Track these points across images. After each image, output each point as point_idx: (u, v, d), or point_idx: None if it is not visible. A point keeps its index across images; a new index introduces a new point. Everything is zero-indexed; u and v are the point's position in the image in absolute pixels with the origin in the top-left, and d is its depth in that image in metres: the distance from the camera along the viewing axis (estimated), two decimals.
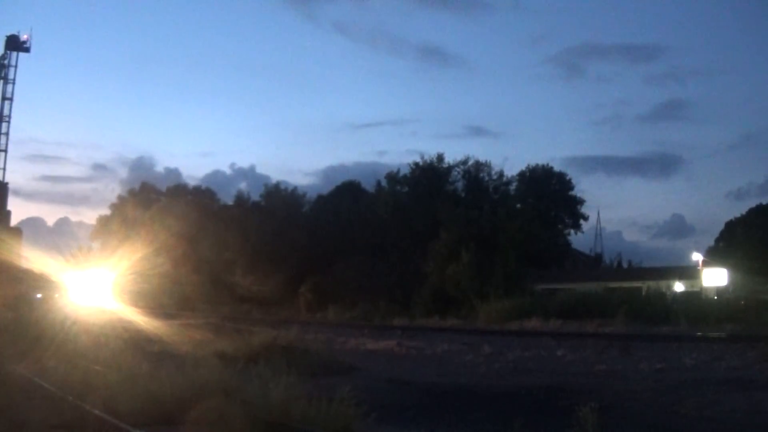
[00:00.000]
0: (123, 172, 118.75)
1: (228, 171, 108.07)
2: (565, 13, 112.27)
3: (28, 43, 51.09)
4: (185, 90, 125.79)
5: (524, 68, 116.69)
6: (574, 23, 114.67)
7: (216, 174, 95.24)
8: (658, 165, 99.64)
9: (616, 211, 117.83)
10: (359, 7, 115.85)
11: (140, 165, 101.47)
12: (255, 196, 60.64)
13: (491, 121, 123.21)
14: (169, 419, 7.77)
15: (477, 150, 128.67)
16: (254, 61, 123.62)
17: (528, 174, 62.04)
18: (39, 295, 36.98)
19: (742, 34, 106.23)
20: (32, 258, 39.28)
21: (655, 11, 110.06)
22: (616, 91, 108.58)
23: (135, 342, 17.73)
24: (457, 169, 57.03)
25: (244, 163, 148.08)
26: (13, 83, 51.31)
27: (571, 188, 63.40)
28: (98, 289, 36.79)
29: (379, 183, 55.63)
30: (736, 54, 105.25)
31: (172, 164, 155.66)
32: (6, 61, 50.66)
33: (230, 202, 67.57)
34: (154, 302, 40.53)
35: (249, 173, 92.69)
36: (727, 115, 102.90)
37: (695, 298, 31.05)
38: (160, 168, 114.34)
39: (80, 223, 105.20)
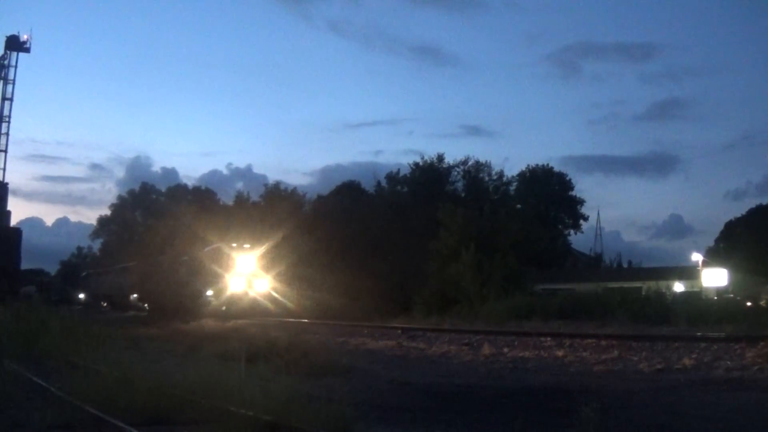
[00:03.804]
0: (120, 172, 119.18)
1: (225, 171, 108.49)
2: (560, 12, 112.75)
3: (28, 43, 51.34)
4: (181, 90, 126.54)
5: (520, 67, 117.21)
6: (570, 22, 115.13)
7: (213, 174, 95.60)
8: (656, 165, 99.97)
9: (614, 211, 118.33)
10: (354, 7, 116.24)
11: (137, 165, 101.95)
12: (253, 196, 60.77)
13: (487, 121, 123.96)
14: (168, 419, 7.77)
15: (473, 149, 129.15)
16: (249, 61, 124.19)
17: (528, 174, 62.18)
18: (210, 292, 33.18)
19: (740, 32, 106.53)
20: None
21: (652, 10, 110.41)
22: (612, 90, 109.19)
23: None
24: (457, 169, 57.16)
25: (240, 162, 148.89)
26: (13, 83, 51.61)
27: (571, 188, 63.61)
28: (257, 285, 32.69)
29: (378, 183, 55.77)
30: (734, 52, 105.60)
31: (169, 164, 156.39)
32: (6, 61, 50.81)
33: (228, 201, 67.62)
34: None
35: (246, 173, 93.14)
36: (725, 115, 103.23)
37: (695, 299, 31.06)
38: (156, 168, 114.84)
39: (80, 223, 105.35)
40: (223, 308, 31.31)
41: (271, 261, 33.01)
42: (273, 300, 31.60)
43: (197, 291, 33.42)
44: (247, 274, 32.25)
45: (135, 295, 43.68)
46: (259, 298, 31.50)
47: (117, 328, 21.18)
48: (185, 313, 30.94)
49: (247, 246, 33.55)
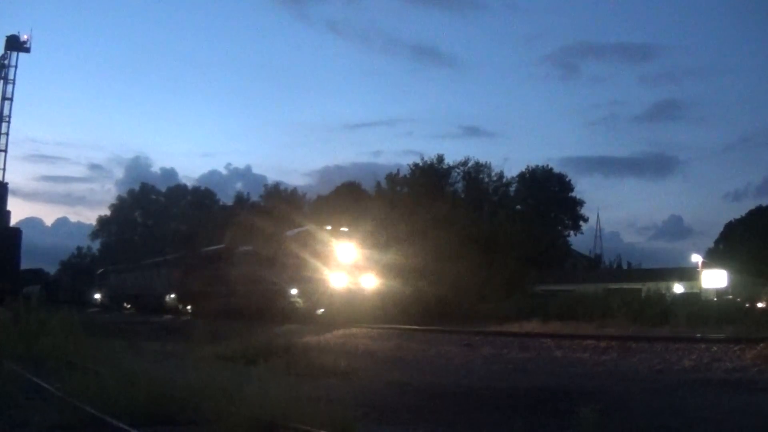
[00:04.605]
0: (119, 172, 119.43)
1: (224, 171, 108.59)
2: (559, 13, 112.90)
3: (28, 43, 51.21)
4: (181, 90, 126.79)
5: (519, 68, 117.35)
6: (569, 23, 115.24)
7: (212, 174, 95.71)
8: (655, 166, 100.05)
9: (613, 212, 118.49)
10: (352, 7, 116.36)
11: (136, 165, 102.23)
12: (252, 197, 60.77)
13: (486, 121, 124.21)
14: (169, 419, 7.78)
15: (473, 150, 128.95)
16: (248, 62, 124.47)
17: (527, 175, 62.18)
18: (295, 290, 25.38)
19: (739, 33, 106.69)
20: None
21: (651, 10, 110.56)
22: (611, 91, 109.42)
23: None
24: (457, 170, 57.21)
25: (239, 163, 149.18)
26: (13, 83, 51.42)
27: (571, 189, 63.63)
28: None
29: (378, 184, 55.80)
30: (733, 54, 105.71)
31: (168, 164, 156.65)
32: (6, 61, 50.70)
33: (227, 202, 67.64)
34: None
35: (245, 173, 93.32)
36: (724, 116, 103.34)
37: (695, 300, 31.06)
38: (156, 168, 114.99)
39: (79, 223, 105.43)
40: (320, 312, 24.54)
41: (372, 250, 26.49)
42: (380, 299, 25.14)
43: (278, 289, 25.94)
44: (348, 267, 24.97)
45: (172, 296, 36.46)
46: (364, 298, 24.57)
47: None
48: (263, 318, 24.88)
49: (344, 230, 26.57)
